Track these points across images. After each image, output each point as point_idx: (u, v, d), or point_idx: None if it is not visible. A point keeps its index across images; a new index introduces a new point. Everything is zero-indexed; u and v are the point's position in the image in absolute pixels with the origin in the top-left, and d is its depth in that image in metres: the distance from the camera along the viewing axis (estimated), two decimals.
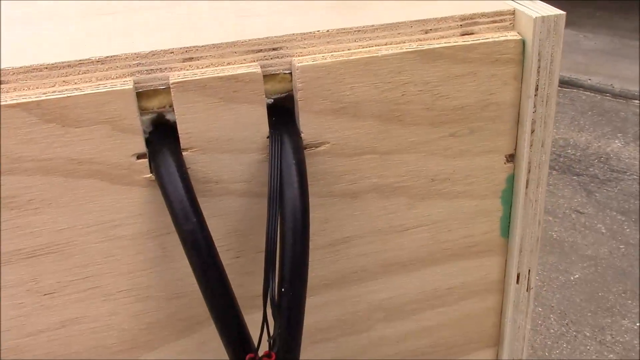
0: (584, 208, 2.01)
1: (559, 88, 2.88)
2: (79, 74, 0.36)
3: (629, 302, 1.64)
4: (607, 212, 1.98)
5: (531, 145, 0.42)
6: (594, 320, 1.59)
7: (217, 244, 0.36)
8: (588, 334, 1.54)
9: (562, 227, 1.93)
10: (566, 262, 1.78)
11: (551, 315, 1.60)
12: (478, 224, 0.45)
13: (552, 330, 1.56)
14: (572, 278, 1.73)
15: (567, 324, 1.58)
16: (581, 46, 3.25)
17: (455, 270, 0.47)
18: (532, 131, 0.42)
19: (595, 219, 1.95)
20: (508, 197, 0.45)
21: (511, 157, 0.44)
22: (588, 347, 1.51)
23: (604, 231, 1.90)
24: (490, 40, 0.40)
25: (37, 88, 0.36)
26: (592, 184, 2.14)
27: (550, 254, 1.81)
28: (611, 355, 1.48)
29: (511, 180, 0.44)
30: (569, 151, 2.36)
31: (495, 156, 0.43)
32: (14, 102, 0.35)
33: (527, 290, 0.48)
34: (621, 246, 1.84)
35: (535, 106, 0.41)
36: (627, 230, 1.90)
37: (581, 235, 1.89)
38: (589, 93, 2.86)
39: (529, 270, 0.47)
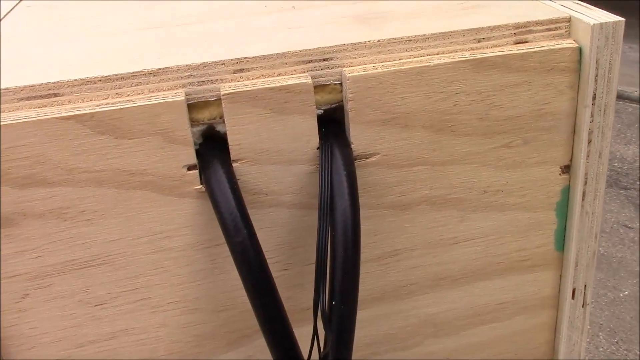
0: (632, 223, 1.96)
1: None
2: (131, 86, 0.36)
3: None
4: None
5: (588, 156, 0.41)
6: None
7: (266, 255, 0.36)
8: (639, 352, 1.49)
9: (610, 242, 1.88)
10: (615, 278, 1.73)
11: (600, 333, 1.56)
12: (532, 237, 0.44)
13: (601, 349, 1.52)
14: (621, 295, 1.68)
15: (617, 342, 1.53)
16: (626, 57, 3.18)
17: (507, 284, 0.45)
18: (589, 141, 0.40)
19: None
20: (563, 210, 0.44)
21: (567, 169, 0.42)
22: None
23: None
24: (546, 48, 0.39)
25: (91, 100, 0.36)
26: None
27: (598, 270, 1.76)
28: None
29: (566, 192, 0.43)
30: (616, 164, 2.30)
31: (550, 167, 0.42)
32: (69, 114, 0.35)
33: (582, 306, 0.46)
34: None
35: (592, 116, 0.40)
36: None
37: (630, 250, 1.84)
38: (635, 105, 2.79)
39: (585, 285, 0.45)
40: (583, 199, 0.42)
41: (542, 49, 0.39)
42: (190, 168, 0.37)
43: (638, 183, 2.17)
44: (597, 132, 0.40)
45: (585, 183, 0.42)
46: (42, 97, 0.36)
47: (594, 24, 0.37)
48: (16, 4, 0.53)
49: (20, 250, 0.38)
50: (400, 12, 0.42)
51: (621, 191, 2.13)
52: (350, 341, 0.37)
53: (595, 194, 0.42)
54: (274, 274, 0.36)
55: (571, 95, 0.40)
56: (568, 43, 0.39)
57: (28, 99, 0.36)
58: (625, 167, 2.28)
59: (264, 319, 0.36)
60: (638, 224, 1.95)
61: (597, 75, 0.39)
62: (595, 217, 0.43)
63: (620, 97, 2.85)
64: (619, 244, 1.87)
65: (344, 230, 0.36)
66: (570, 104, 0.40)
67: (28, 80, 0.36)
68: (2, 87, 0.35)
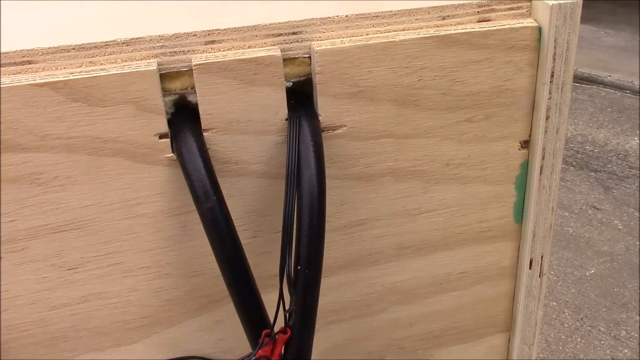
0: (601, 204, 2.00)
1: (579, 84, 2.86)
2: (105, 55, 0.37)
3: None
4: (625, 208, 1.97)
5: (546, 132, 0.43)
6: (608, 315, 1.58)
7: (235, 223, 0.37)
8: (602, 329, 1.54)
9: (579, 222, 1.92)
10: (582, 257, 1.78)
11: (566, 310, 1.60)
12: (492, 210, 0.46)
13: (566, 325, 1.56)
14: (587, 274, 1.72)
15: (581, 319, 1.57)
16: (602, 43, 3.22)
17: (468, 255, 0.47)
18: (547, 117, 0.42)
19: (612, 216, 1.94)
20: (522, 183, 0.45)
21: (526, 144, 0.44)
22: (602, 342, 1.50)
23: (620, 227, 1.89)
24: (507, 27, 0.40)
25: (64, 68, 0.37)
26: (609, 181, 2.13)
27: (565, 249, 1.80)
28: (625, 350, 1.48)
29: (525, 166, 0.45)
30: (587, 147, 2.34)
31: (510, 142, 0.44)
32: (43, 81, 0.36)
33: (539, 276, 0.48)
34: (637, 243, 1.83)
35: (550, 93, 0.41)
36: None
37: (597, 231, 1.88)
38: (608, 90, 2.84)
39: (542, 256, 0.47)
40: (541, 173, 0.44)
41: (504, 27, 0.40)
42: (161, 136, 0.38)
43: (608, 166, 2.22)
44: (554, 108, 0.42)
45: (543, 158, 0.44)
46: (16, 64, 0.36)
47: (553, 4, 0.39)
48: None
49: None
50: None
51: (591, 173, 2.18)
52: (314, 306, 0.38)
53: (552, 169, 0.44)
54: (242, 242, 0.38)
55: (531, 72, 0.42)
56: (528, 22, 0.40)
57: (2, 65, 0.36)
58: (596, 150, 2.32)
59: (232, 282, 0.38)
60: (606, 206, 2.00)
61: (555, 54, 0.40)
62: (552, 191, 0.45)
63: (593, 81, 2.90)
64: (587, 224, 1.91)
65: (310, 199, 0.37)
66: (530, 81, 0.42)
67: (2, 48, 0.37)
68: None
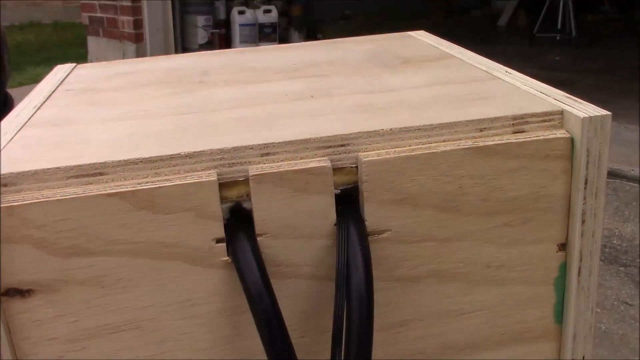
0: (633, 300, 1.97)
1: None
2: (169, 166, 0.40)
3: None
4: None
5: (582, 235, 0.45)
6: None
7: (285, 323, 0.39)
8: None
9: (612, 319, 1.88)
10: (617, 355, 1.73)
11: None
12: (532, 310, 0.47)
13: None
14: None
15: None
16: (622, 137, 3.25)
17: (510, 355, 0.48)
18: (583, 222, 0.44)
19: None
20: (561, 285, 0.47)
21: (563, 246, 0.46)
22: None
23: None
24: (541, 138, 0.43)
25: (132, 179, 0.40)
26: None
27: (600, 347, 1.76)
28: None
29: (564, 268, 0.46)
30: (615, 242, 2.33)
31: (548, 245, 0.46)
32: (113, 191, 0.39)
33: None
34: None
35: (585, 198, 0.44)
36: None
37: (631, 327, 1.84)
38: (632, 184, 2.84)
39: (583, 356, 0.48)
40: (579, 275, 0.46)
41: (538, 138, 0.43)
42: (218, 241, 0.41)
43: (637, 260, 2.19)
44: (589, 213, 0.44)
45: (581, 260, 0.45)
46: (88, 175, 0.40)
47: (584, 117, 0.42)
48: (55, 88, 0.58)
49: (59, 315, 0.41)
50: (412, 102, 0.47)
51: (621, 268, 2.15)
52: None
53: (590, 270, 0.46)
54: (292, 341, 0.39)
55: (565, 179, 0.44)
56: (561, 133, 0.43)
57: (76, 177, 0.40)
58: (624, 244, 2.31)
59: None
60: (638, 301, 1.96)
61: (588, 163, 0.43)
62: (591, 292, 0.46)
63: (617, 175, 2.91)
64: (620, 320, 1.87)
65: (359, 301, 0.39)
66: (565, 187, 0.44)
67: (76, 161, 0.40)
68: (54, 166, 0.39)
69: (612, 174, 2.92)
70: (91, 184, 0.40)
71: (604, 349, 1.76)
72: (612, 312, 1.91)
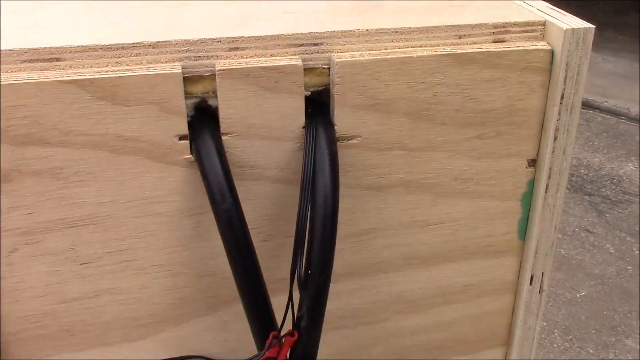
0: (594, 228, 2.02)
1: None
2: (131, 56, 0.38)
3: (634, 322, 1.64)
4: (617, 233, 1.99)
5: (553, 152, 0.44)
6: (598, 338, 1.60)
7: (248, 226, 0.38)
8: (591, 350, 1.55)
9: (571, 245, 1.94)
10: (573, 279, 1.79)
11: (555, 331, 1.61)
12: (498, 225, 0.47)
13: (555, 345, 1.57)
14: (578, 295, 1.73)
15: (570, 340, 1.58)
16: (600, 69, 3.25)
17: (473, 268, 0.48)
18: (555, 138, 0.43)
19: (605, 239, 1.96)
20: (528, 201, 0.47)
21: (533, 162, 0.45)
22: None
23: (612, 251, 1.91)
24: (521, 48, 0.41)
25: (91, 67, 0.38)
26: (603, 205, 2.15)
27: (557, 271, 1.82)
28: None
29: (532, 184, 0.46)
30: (582, 171, 2.36)
31: (518, 160, 0.45)
32: (70, 78, 0.37)
33: (539, 292, 0.49)
34: (629, 267, 1.84)
35: (559, 114, 0.43)
36: (636, 251, 1.90)
37: (589, 254, 1.90)
38: (604, 115, 2.86)
39: (543, 272, 0.48)
40: (546, 192, 0.45)
41: (518, 48, 0.41)
42: (181, 138, 0.39)
43: (602, 190, 2.24)
44: (562, 129, 0.43)
45: (549, 177, 0.45)
46: (44, 60, 0.37)
47: (566, 29, 0.40)
48: None
49: (13, 206, 0.39)
50: (391, 7, 0.45)
51: (585, 197, 2.20)
52: (322, 310, 0.39)
53: (557, 188, 0.45)
54: (254, 245, 0.39)
55: (542, 93, 0.43)
56: (542, 45, 0.42)
57: (31, 61, 0.37)
58: (591, 174, 2.35)
59: (243, 283, 0.39)
60: (599, 229, 2.02)
61: (566, 77, 0.42)
62: (556, 209, 0.46)
63: (590, 106, 2.92)
64: (580, 247, 1.93)
65: (324, 205, 0.38)
66: (541, 101, 0.43)
67: (31, 43, 0.37)
68: (6, 48, 0.37)
69: (585, 105, 2.93)
70: (47, 69, 0.37)
71: (561, 273, 1.81)
72: (572, 239, 1.96)
